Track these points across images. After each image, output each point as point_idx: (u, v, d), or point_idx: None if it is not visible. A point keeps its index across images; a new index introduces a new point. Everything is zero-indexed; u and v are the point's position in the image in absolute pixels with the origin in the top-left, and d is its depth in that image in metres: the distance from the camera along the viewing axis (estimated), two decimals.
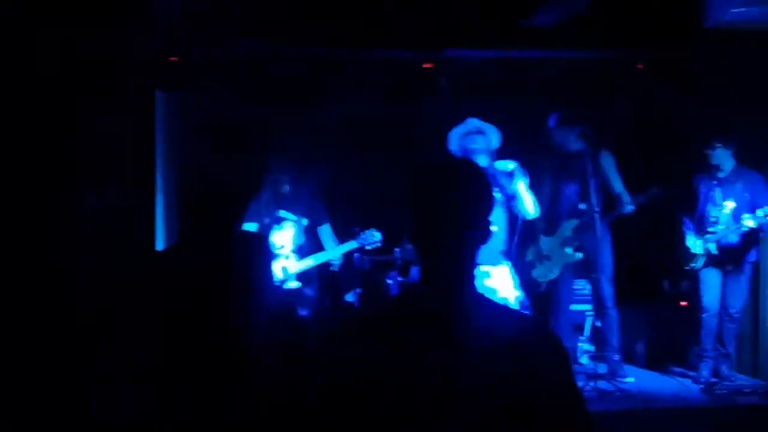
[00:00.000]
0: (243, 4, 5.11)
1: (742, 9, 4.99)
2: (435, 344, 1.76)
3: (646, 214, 6.18)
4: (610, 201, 6.18)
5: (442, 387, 1.73)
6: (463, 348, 1.76)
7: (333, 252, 5.97)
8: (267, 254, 3.75)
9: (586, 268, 6.33)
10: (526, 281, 6.51)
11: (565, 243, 6.24)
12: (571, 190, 6.28)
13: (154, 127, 5.82)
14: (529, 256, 6.41)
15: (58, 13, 4.69)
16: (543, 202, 6.42)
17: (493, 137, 5.53)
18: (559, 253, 6.27)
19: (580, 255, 6.20)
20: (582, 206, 6.07)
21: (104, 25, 4.75)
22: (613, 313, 6.22)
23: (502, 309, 1.98)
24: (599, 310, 6.27)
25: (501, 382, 1.74)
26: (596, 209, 5.86)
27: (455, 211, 1.84)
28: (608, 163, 6.24)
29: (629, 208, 6.04)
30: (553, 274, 6.31)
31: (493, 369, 1.74)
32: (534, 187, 5.64)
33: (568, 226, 6.24)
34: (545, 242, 6.34)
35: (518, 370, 1.75)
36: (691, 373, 6.31)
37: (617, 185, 6.19)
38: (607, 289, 6.20)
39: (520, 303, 5.59)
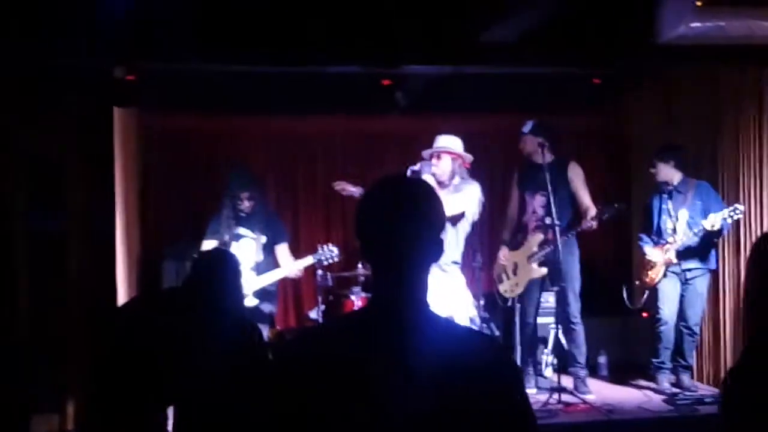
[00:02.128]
0: (198, 20, 5.08)
1: (696, 24, 5.07)
2: (385, 364, 1.74)
3: (603, 226, 6.21)
4: (576, 214, 6.21)
5: (391, 407, 1.71)
6: (413, 367, 1.74)
7: (290, 267, 5.93)
8: (235, 270, 3.73)
9: (552, 281, 6.26)
10: (491, 296, 6.55)
11: (531, 257, 6.24)
12: (537, 202, 6.26)
13: (113, 144, 5.77)
14: (498, 270, 6.43)
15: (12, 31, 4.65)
16: (510, 215, 6.49)
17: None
18: (525, 268, 6.27)
19: (545, 270, 6.17)
20: (548, 220, 6.06)
21: (57, 43, 4.72)
22: (579, 327, 6.24)
23: (453, 327, 1.97)
24: (565, 324, 6.28)
25: (451, 401, 1.72)
26: (561, 223, 5.89)
27: (405, 228, 1.83)
28: (577, 175, 6.28)
29: (591, 224, 6.04)
30: (520, 289, 6.30)
31: (443, 388, 1.72)
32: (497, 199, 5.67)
33: (534, 241, 6.25)
34: (512, 256, 6.35)
35: (469, 388, 1.74)
36: (652, 385, 6.35)
37: (585, 198, 6.22)
38: (574, 304, 6.20)
39: (471, 320, 5.59)
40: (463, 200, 5.58)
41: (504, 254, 6.38)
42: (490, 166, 7.07)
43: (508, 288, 6.35)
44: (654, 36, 5.24)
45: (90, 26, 4.68)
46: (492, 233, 6.96)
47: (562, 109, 6.99)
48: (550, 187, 5.83)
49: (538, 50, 5.60)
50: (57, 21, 4.65)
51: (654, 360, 6.34)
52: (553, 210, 5.83)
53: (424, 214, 1.86)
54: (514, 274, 6.32)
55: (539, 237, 6.20)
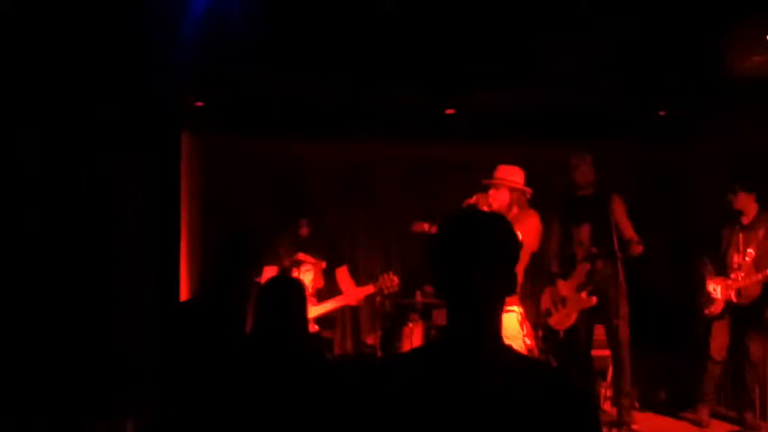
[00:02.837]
0: (264, 48, 5.19)
1: (762, 57, 5.03)
2: (461, 397, 1.76)
3: (662, 257, 6.15)
4: (621, 244, 6.16)
5: None
6: (489, 401, 1.76)
7: (351, 296, 5.97)
8: (303, 298, 3.77)
9: (602, 313, 6.22)
10: (543, 329, 6.50)
11: (580, 287, 6.20)
12: (583, 232, 6.22)
13: (180, 170, 5.90)
14: (546, 304, 6.39)
15: (85, 59, 4.81)
16: (552, 248, 6.45)
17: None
18: (575, 299, 6.23)
19: (594, 300, 6.11)
20: (594, 249, 6.00)
21: (130, 74, 4.87)
22: (627, 357, 6.18)
23: (526, 361, 1.98)
24: (615, 354, 6.23)
25: None
26: (611, 252, 5.85)
27: (482, 263, 1.85)
28: (619, 206, 6.24)
29: (639, 248, 5.99)
30: (571, 321, 6.25)
31: (518, 421, 1.74)
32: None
33: (582, 271, 6.21)
34: (560, 287, 6.32)
35: (543, 420, 1.75)
36: (693, 416, 6.27)
37: (627, 230, 6.18)
38: (623, 333, 6.15)
39: (530, 351, 5.55)
40: (522, 231, 5.56)
41: (559, 287, 6.33)
42: (550, 196, 7.00)
43: (558, 321, 6.31)
44: (721, 70, 5.21)
45: (163, 55, 4.82)
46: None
47: (622, 141, 6.94)
48: (601, 216, 5.81)
49: (603, 81, 5.60)
50: (132, 50, 4.79)
51: (699, 392, 6.26)
52: (608, 239, 5.80)
53: (500, 249, 1.88)
54: (563, 305, 6.28)
55: (587, 267, 6.17)
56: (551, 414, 1.76)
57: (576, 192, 6.25)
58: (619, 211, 6.20)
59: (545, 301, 6.41)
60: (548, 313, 6.37)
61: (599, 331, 6.49)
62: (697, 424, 6.17)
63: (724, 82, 5.30)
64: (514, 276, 1.89)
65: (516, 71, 5.70)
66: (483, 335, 1.84)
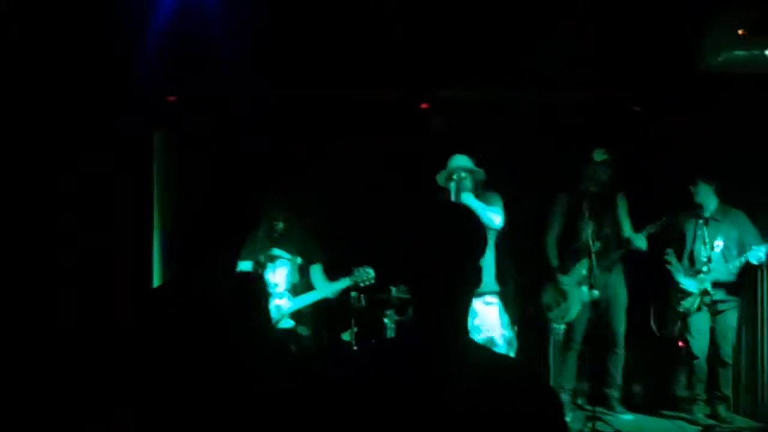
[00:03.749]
0: (238, 43, 5.16)
1: (735, 53, 5.04)
2: (427, 390, 1.75)
3: (635, 254, 6.19)
4: (621, 243, 6.23)
5: None
6: (454, 394, 1.75)
7: (326, 290, 5.94)
8: (265, 294, 3.76)
9: (601, 306, 6.28)
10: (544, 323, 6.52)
11: (581, 282, 6.21)
12: (587, 229, 6.23)
13: (152, 164, 5.85)
14: (546, 298, 6.40)
15: (56, 55, 4.75)
16: (550, 242, 6.47)
17: (479, 174, 5.60)
18: (575, 293, 6.25)
19: (596, 293, 6.11)
20: (597, 245, 6.07)
21: (101, 67, 4.82)
22: (621, 351, 6.23)
23: (492, 355, 1.97)
24: (610, 348, 6.26)
25: (490, 428, 1.73)
26: (610, 249, 5.87)
27: (449, 255, 1.84)
28: (623, 205, 6.28)
29: (640, 243, 6.06)
30: (572, 315, 6.28)
31: (482, 415, 1.73)
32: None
33: (583, 266, 6.22)
34: (560, 281, 6.32)
35: (508, 415, 1.74)
36: (686, 416, 6.27)
37: (627, 228, 6.22)
38: (621, 328, 6.21)
39: (507, 341, 5.57)
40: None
41: (559, 281, 6.34)
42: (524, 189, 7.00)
43: (559, 315, 6.33)
44: (696, 65, 5.23)
45: (136, 51, 4.78)
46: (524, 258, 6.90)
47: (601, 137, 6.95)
48: (605, 215, 5.84)
49: (578, 78, 5.61)
50: (106, 45, 4.75)
51: (688, 392, 6.26)
52: (611, 235, 5.84)
53: (467, 242, 1.87)
54: (564, 300, 6.30)
55: (588, 262, 6.18)
56: (515, 408, 1.75)
57: (582, 188, 6.24)
58: (622, 208, 6.26)
59: (546, 297, 6.43)
60: (549, 308, 6.40)
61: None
62: (694, 423, 6.16)
63: (698, 78, 5.33)
64: (480, 269, 1.88)
65: (493, 66, 5.70)
66: (449, 328, 1.84)
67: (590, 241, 6.05)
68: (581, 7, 5.09)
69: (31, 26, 4.66)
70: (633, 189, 6.57)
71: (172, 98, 5.79)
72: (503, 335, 5.51)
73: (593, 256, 6.00)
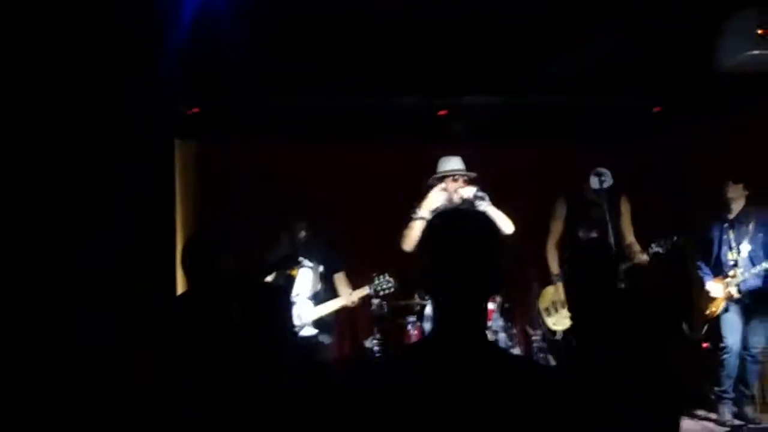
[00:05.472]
0: (259, 55, 5.20)
1: (754, 52, 5.02)
2: (450, 393, 1.77)
3: (663, 258, 6.13)
4: (620, 250, 6.14)
5: None
6: (477, 395, 1.77)
7: (347, 297, 5.97)
8: (287, 303, 3.80)
9: None
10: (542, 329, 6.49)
11: None
12: (587, 237, 6.19)
13: (174, 175, 5.90)
14: (543, 303, 6.37)
15: (78, 68, 4.81)
16: (550, 249, 6.44)
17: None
18: None
19: None
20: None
21: (123, 79, 4.87)
22: None
23: (512, 357, 1.99)
24: None
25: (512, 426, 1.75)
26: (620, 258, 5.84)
27: (468, 262, 1.86)
28: (626, 211, 6.24)
29: (643, 258, 6.00)
30: (568, 323, 6.23)
31: (503, 415, 1.75)
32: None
33: None
34: (557, 289, 6.29)
35: (529, 416, 1.76)
36: (713, 416, 6.22)
37: (629, 234, 6.18)
38: None
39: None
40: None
41: (558, 289, 6.31)
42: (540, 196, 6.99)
43: (556, 321, 6.30)
44: (714, 65, 5.20)
45: (155, 64, 4.83)
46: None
47: (621, 139, 6.94)
48: (610, 226, 5.78)
49: (598, 81, 5.61)
50: (124, 60, 4.80)
51: (716, 389, 6.21)
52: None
53: (486, 250, 1.89)
54: (563, 307, 6.26)
55: None
56: (536, 407, 1.77)
57: (586, 196, 6.21)
58: (625, 214, 6.22)
59: (541, 303, 6.41)
60: (547, 313, 6.37)
61: None
62: (721, 424, 6.11)
63: (721, 78, 5.29)
64: (500, 274, 1.90)
65: (511, 71, 5.71)
66: (470, 333, 1.86)
67: None
68: (600, 11, 5.10)
69: (56, 39, 4.72)
70: (653, 192, 6.54)
71: (194, 110, 5.85)
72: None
73: None
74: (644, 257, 6.00)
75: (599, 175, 5.88)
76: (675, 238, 5.98)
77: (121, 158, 5.08)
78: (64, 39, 4.76)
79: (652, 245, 6.01)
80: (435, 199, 5.54)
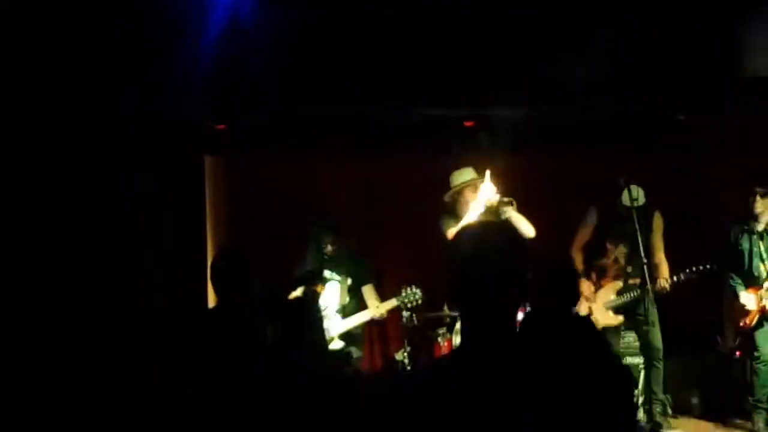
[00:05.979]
0: (283, 69, 5.24)
1: None
2: (488, 403, 1.77)
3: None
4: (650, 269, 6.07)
5: None
6: (517, 404, 1.77)
7: (375, 310, 5.97)
8: (316, 316, 3.82)
9: (631, 327, 6.28)
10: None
11: (607, 304, 6.18)
12: (620, 252, 6.21)
13: (204, 191, 5.96)
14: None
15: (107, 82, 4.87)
16: (576, 252, 6.41)
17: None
18: (600, 314, 6.20)
19: (621, 318, 6.18)
20: (629, 269, 6.10)
21: (151, 94, 4.93)
22: (660, 365, 6.12)
23: (546, 370, 1.99)
24: (647, 361, 6.18)
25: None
26: (645, 274, 5.78)
27: (494, 272, 1.87)
28: (658, 226, 6.20)
29: (664, 287, 5.96)
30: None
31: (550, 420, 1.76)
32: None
33: (613, 288, 6.21)
34: (586, 299, 6.26)
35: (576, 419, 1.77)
36: (748, 425, 6.14)
37: (659, 252, 6.13)
38: (656, 342, 6.09)
39: None
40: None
41: (585, 288, 6.29)
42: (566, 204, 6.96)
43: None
44: (739, 71, 5.17)
45: (184, 79, 4.88)
46: None
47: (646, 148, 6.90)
48: (641, 241, 5.73)
49: (621, 90, 5.59)
50: (154, 76, 4.85)
51: (750, 398, 6.13)
52: (642, 261, 5.73)
53: (511, 262, 1.90)
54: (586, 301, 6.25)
55: (618, 285, 6.18)
56: (568, 419, 1.77)
57: (618, 208, 6.14)
58: (657, 230, 6.18)
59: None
60: None
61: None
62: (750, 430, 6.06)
63: (742, 83, 5.26)
64: (526, 284, 1.91)
65: (533, 80, 5.70)
66: (499, 343, 1.86)
67: (624, 265, 6.12)
68: (621, 16, 5.08)
69: (81, 48, 4.77)
70: (681, 203, 6.48)
71: (221, 126, 5.91)
72: None
73: (624, 280, 6.08)
74: (666, 285, 5.97)
75: (632, 192, 5.86)
76: (708, 266, 5.93)
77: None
78: (96, 50, 4.80)
79: (681, 275, 5.99)
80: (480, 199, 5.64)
